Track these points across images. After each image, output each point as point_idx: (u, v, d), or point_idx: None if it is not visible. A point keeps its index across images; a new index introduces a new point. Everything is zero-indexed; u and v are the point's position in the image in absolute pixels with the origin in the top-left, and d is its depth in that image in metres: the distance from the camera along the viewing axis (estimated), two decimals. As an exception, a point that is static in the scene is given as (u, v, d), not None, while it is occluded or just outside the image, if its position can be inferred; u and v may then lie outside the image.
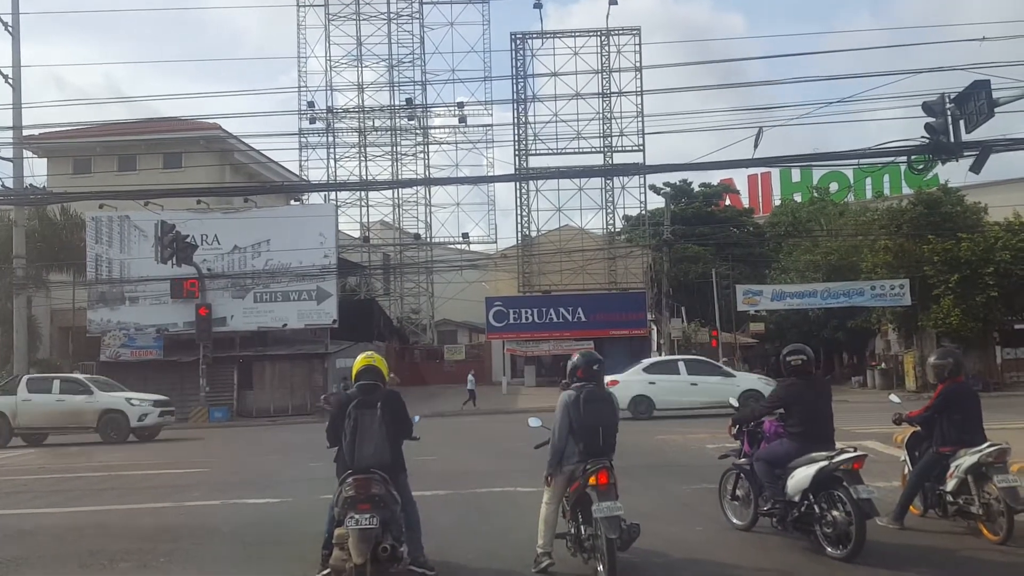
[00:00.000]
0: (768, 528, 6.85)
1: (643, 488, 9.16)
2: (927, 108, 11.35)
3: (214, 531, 8.13)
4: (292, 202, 38.20)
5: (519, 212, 39.61)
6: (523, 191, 39.58)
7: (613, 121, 38.73)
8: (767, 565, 6.19)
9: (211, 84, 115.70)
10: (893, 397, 8.76)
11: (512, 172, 39.07)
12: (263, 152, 36.94)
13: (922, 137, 11.42)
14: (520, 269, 39.16)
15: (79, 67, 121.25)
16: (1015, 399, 22.06)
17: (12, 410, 19.89)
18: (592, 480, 5.71)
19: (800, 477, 6.38)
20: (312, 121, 41.39)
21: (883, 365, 33.48)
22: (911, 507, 7.17)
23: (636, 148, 38.54)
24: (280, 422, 25.94)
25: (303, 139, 41.55)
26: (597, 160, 38.91)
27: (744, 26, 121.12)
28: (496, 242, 44.15)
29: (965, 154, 11.50)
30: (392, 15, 42.46)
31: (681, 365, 21.72)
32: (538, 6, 40.38)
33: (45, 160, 36.62)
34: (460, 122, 41.92)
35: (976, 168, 11.41)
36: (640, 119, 38.35)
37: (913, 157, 11.75)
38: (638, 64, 38.48)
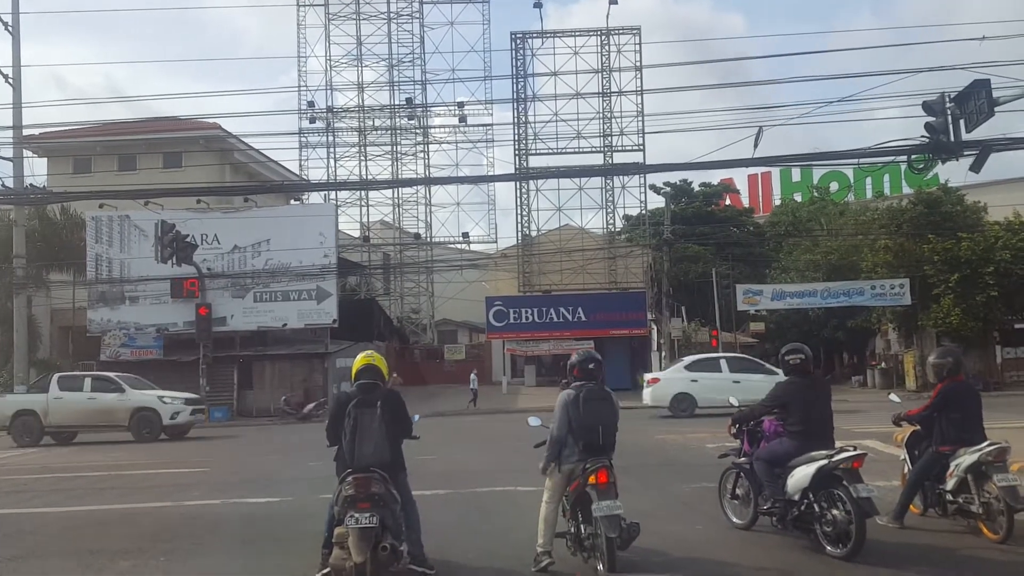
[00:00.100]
0: (768, 527, 6.86)
1: (643, 487, 9.17)
2: (927, 107, 11.33)
3: (214, 530, 8.14)
4: (292, 202, 38.14)
5: (519, 212, 39.54)
6: (523, 191, 39.50)
7: (613, 121, 38.63)
8: (767, 564, 6.19)
9: (211, 84, 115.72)
10: (893, 396, 8.76)
11: (512, 172, 38.95)
12: (263, 152, 36.95)
13: (922, 136, 11.39)
14: (520, 269, 39.08)
15: (79, 67, 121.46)
16: (1015, 398, 22.09)
17: (44, 408, 19.58)
18: (592, 479, 5.73)
19: (800, 476, 6.39)
20: (312, 121, 41.31)
21: (883, 365, 33.49)
22: (911, 506, 7.18)
23: (636, 148, 38.44)
24: (280, 422, 25.93)
25: (303, 139, 41.48)
26: (597, 160, 38.83)
27: (744, 26, 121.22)
28: (496, 242, 44.09)
29: (965, 153, 11.46)
30: (392, 15, 42.39)
31: (723, 363, 21.43)
32: (538, 6, 40.29)
33: (45, 160, 36.56)
34: (460, 122, 41.80)
35: (976, 167, 11.39)
36: (640, 119, 38.27)
37: (913, 156, 11.74)
38: (638, 64, 38.39)
